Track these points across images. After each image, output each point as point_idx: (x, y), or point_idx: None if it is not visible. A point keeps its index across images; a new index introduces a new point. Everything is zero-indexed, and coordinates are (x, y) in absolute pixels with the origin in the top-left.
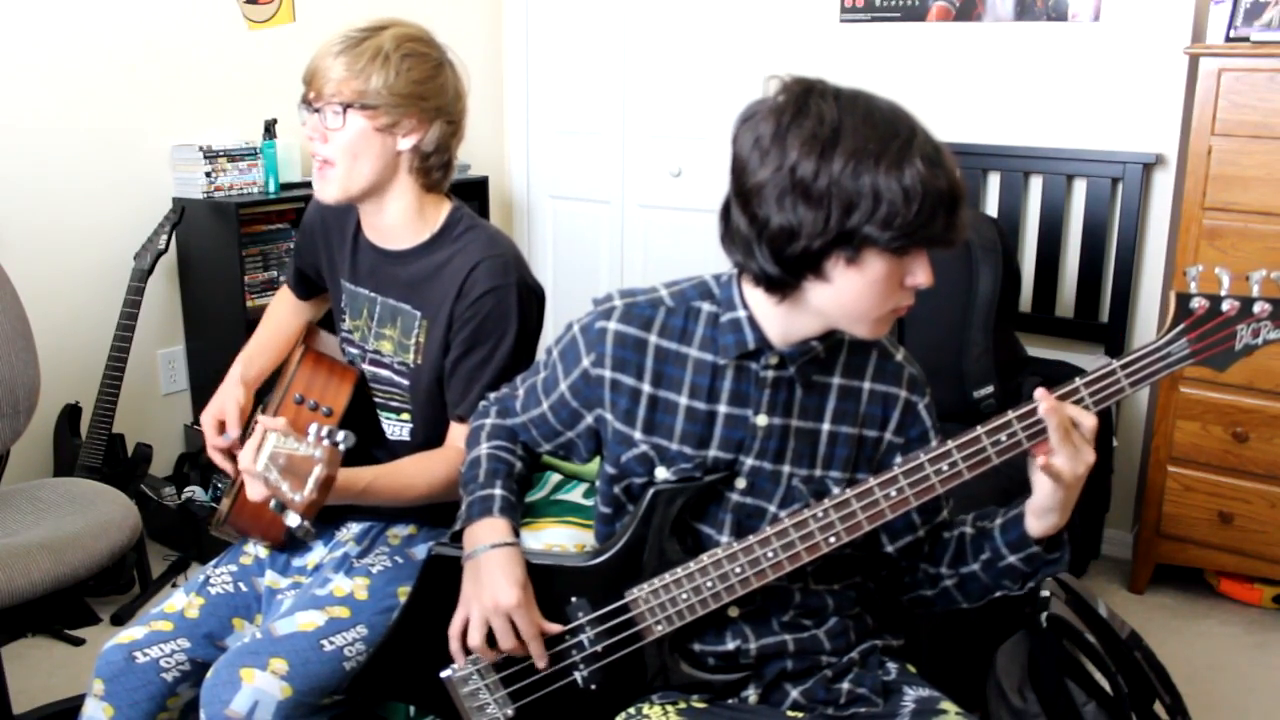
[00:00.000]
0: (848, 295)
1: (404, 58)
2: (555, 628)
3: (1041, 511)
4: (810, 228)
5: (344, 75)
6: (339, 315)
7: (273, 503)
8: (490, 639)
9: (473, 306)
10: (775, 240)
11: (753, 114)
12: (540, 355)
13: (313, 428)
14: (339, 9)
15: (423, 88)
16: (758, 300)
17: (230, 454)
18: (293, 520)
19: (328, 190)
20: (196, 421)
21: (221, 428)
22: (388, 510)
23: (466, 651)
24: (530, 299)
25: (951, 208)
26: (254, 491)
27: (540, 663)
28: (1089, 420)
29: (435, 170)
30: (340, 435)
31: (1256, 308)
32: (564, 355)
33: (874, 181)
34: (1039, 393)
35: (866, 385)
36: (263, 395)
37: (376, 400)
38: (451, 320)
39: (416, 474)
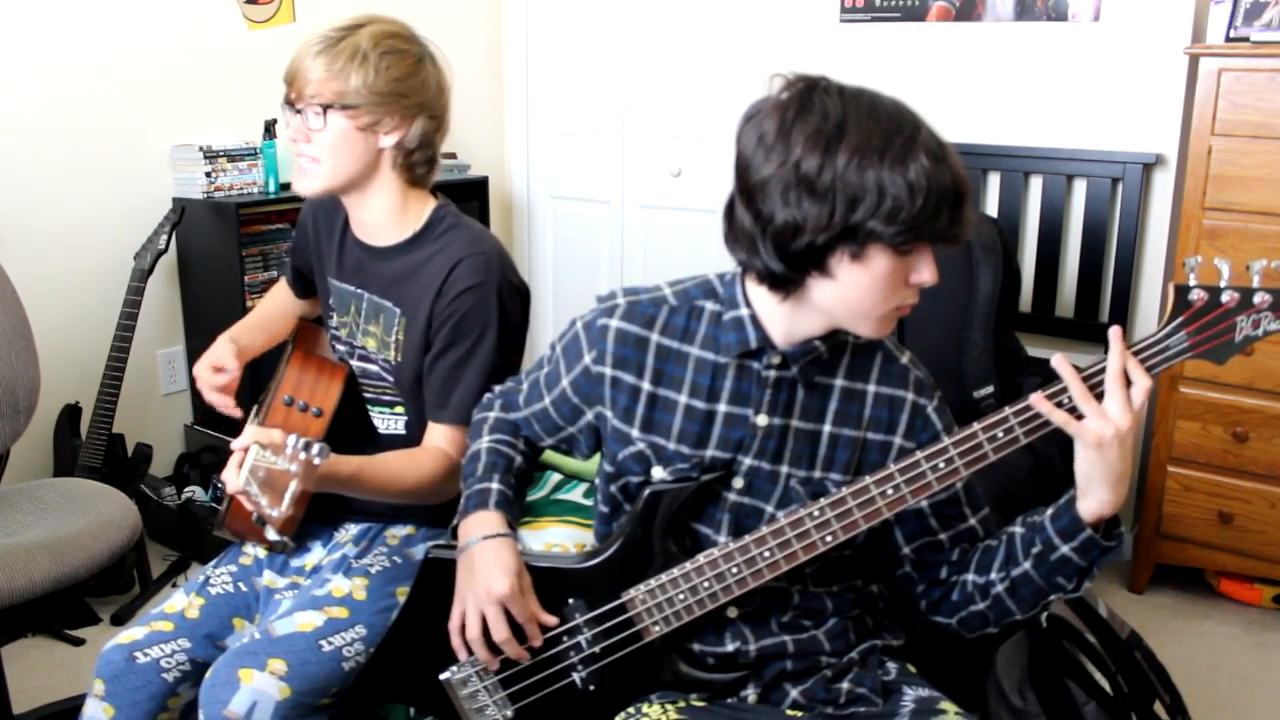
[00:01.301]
0: (852, 292)
1: (383, 55)
2: (552, 619)
3: (1085, 485)
4: (814, 223)
5: (323, 76)
6: (327, 313)
7: (254, 516)
8: (490, 646)
9: (452, 304)
10: (779, 236)
11: (756, 111)
12: (545, 350)
13: (290, 439)
14: (339, 9)
15: (403, 85)
16: (761, 299)
17: (228, 392)
18: (272, 535)
19: (307, 184)
20: (197, 421)
21: (216, 369)
22: (386, 511)
23: (469, 648)
24: (513, 297)
25: (956, 203)
26: (248, 504)
27: (535, 642)
28: (1142, 381)
29: (419, 165)
30: (316, 448)
31: (1257, 298)
32: (566, 351)
33: (878, 176)
34: (1114, 331)
35: (871, 388)
36: (255, 392)
37: (368, 395)
38: (431, 319)
39: (404, 468)
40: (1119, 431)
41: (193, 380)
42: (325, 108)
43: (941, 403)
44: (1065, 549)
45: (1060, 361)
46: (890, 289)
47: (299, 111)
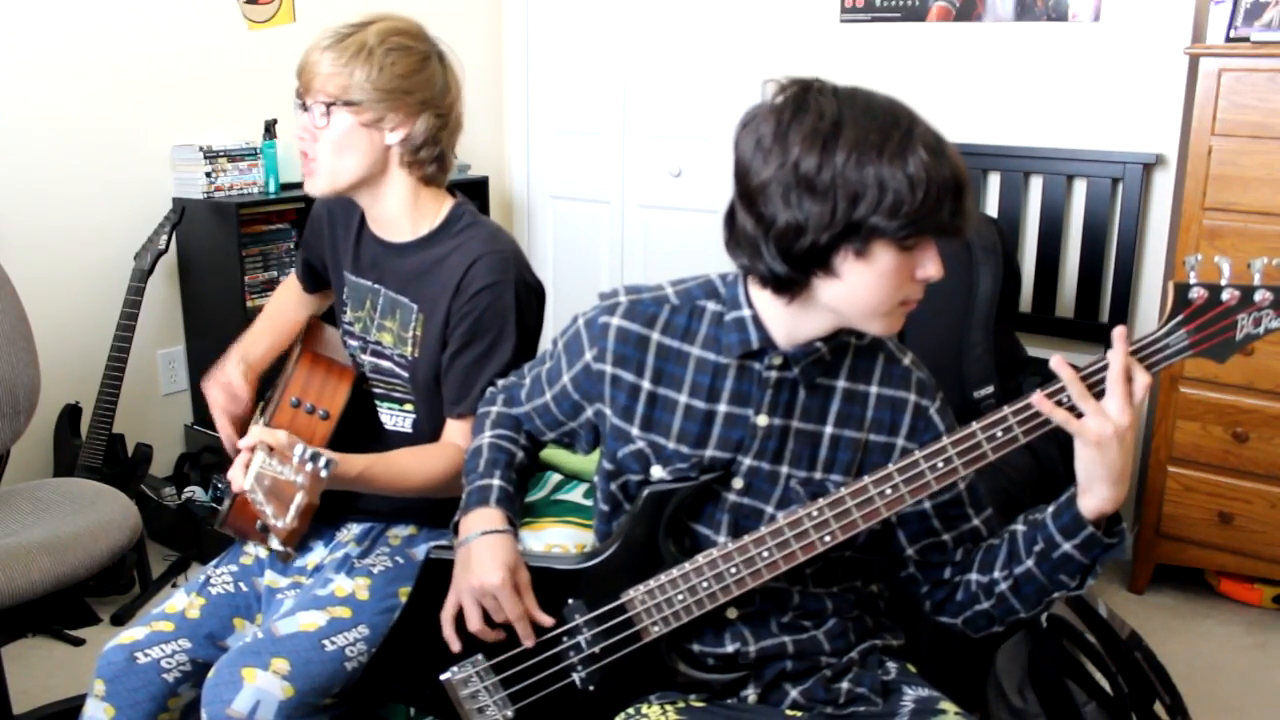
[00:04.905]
0: (859, 290)
1: (388, 52)
2: (548, 619)
3: (1086, 483)
4: (817, 222)
5: (329, 71)
6: (340, 307)
7: (258, 523)
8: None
9: (470, 302)
10: (783, 237)
11: (752, 117)
12: (546, 346)
13: (297, 449)
14: (339, 9)
15: (407, 81)
16: (763, 300)
17: (236, 425)
18: (275, 544)
19: (314, 184)
20: (197, 422)
21: (230, 394)
22: (388, 511)
23: (465, 641)
24: (529, 296)
25: (957, 195)
26: (253, 509)
27: (527, 642)
28: (1142, 378)
29: (428, 163)
30: (323, 461)
31: (1258, 296)
32: (568, 347)
33: (878, 172)
34: (1118, 331)
35: (874, 390)
36: (263, 391)
37: (378, 391)
38: (449, 316)
39: (412, 465)
40: (1119, 429)
41: (193, 381)
42: (329, 105)
43: (944, 404)
44: (1067, 546)
45: (1059, 363)
46: (896, 285)
47: (307, 109)
